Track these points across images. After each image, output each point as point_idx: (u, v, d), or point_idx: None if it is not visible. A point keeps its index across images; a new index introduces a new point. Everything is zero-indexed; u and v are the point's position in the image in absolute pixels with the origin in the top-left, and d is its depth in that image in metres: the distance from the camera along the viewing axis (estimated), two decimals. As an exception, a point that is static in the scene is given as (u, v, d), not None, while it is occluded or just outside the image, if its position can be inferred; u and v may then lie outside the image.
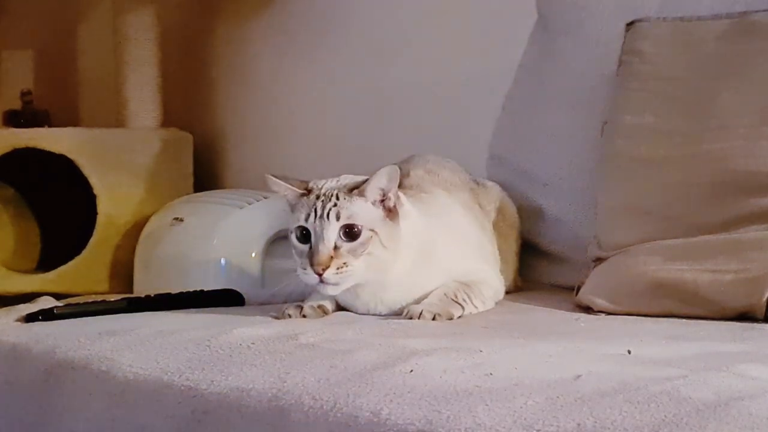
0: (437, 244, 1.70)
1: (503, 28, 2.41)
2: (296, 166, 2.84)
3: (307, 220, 1.59)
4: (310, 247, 1.59)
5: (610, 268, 1.77)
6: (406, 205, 1.66)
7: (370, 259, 1.59)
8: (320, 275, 1.56)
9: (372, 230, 1.59)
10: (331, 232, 1.57)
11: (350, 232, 1.58)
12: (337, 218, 1.58)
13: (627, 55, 1.92)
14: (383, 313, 1.66)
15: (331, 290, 1.60)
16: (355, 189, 1.60)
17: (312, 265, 1.57)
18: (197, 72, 3.14)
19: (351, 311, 1.67)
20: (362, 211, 1.59)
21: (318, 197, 1.60)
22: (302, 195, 1.63)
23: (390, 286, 1.65)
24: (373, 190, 1.60)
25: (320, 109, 2.86)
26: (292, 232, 1.62)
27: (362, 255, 1.58)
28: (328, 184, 1.63)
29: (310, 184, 1.64)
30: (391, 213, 1.62)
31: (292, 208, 1.64)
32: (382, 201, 1.61)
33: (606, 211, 1.85)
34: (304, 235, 1.60)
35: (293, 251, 1.62)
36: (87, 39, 3.34)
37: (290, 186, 1.64)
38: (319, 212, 1.58)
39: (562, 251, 2.03)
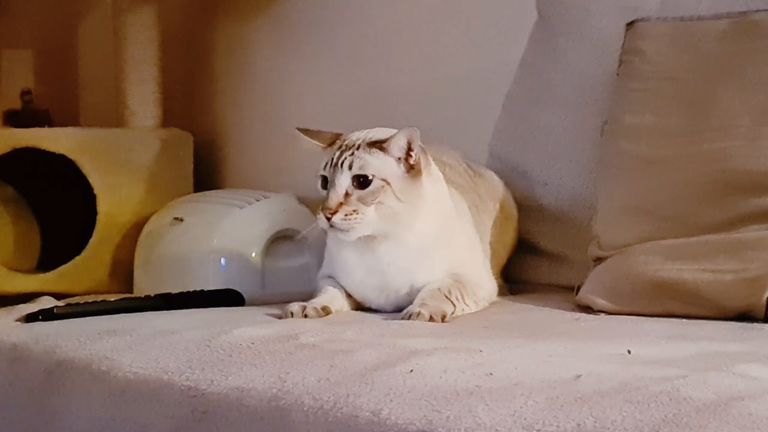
0: (455, 229, 1.74)
1: (503, 28, 2.41)
2: (296, 166, 2.85)
3: (325, 168, 1.66)
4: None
5: (610, 268, 1.77)
6: (436, 173, 1.71)
7: (382, 208, 1.64)
8: (329, 219, 1.62)
9: (384, 180, 1.64)
10: (343, 180, 1.63)
11: (362, 182, 1.63)
12: (350, 168, 1.63)
13: (627, 54, 1.92)
14: (390, 284, 1.69)
15: (343, 236, 1.65)
16: (379, 143, 1.66)
17: (322, 209, 1.62)
18: (197, 72, 3.14)
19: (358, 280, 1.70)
20: (378, 162, 1.65)
21: (339, 147, 1.67)
22: (325, 148, 1.70)
23: (408, 245, 1.68)
24: (395, 147, 1.66)
25: (320, 109, 2.85)
26: (318, 181, 1.68)
27: (372, 203, 1.63)
28: (354, 136, 1.69)
29: (341, 137, 1.70)
30: (414, 170, 1.66)
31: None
32: (407, 158, 1.66)
33: (606, 211, 1.85)
34: (323, 183, 1.66)
35: None
36: (87, 39, 3.34)
37: (313, 141, 1.72)
38: (334, 161, 1.65)
39: (562, 251, 2.03)
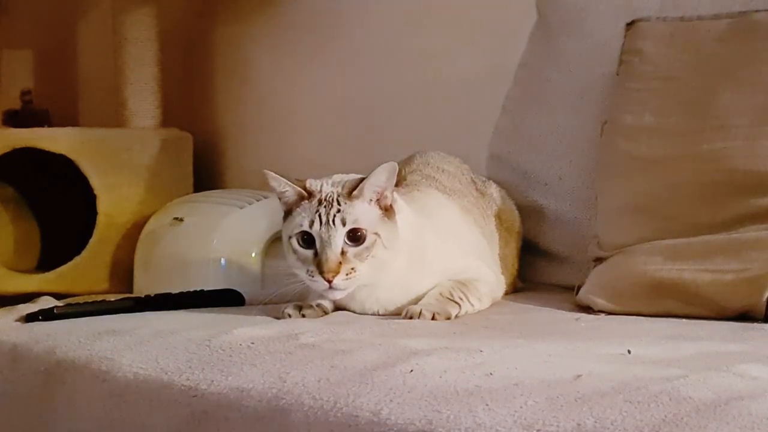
0: (428, 242, 1.70)
1: (503, 28, 2.41)
2: (296, 166, 2.85)
3: (311, 226, 1.59)
4: (316, 254, 1.58)
5: (610, 268, 1.77)
6: (399, 201, 1.66)
7: (374, 261, 1.60)
8: (330, 281, 1.57)
9: (375, 233, 1.59)
10: (339, 238, 1.57)
11: (355, 236, 1.58)
12: (343, 224, 1.58)
13: (627, 54, 1.92)
14: (379, 313, 1.66)
15: (338, 295, 1.61)
16: (354, 190, 1.60)
17: (322, 272, 1.57)
18: (197, 72, 3.14)
19: (348, 310, 1.67)
20: (364, 213, 1.60)
21: (320, 202, 1.60)
22: (301, 198, 1.62)
23: (385, 285, 1.65)
24: (369, 189, 1.60)
25: (320, 109, 2.86)
26: (291, 237, 1.61)
27: (367, 258, 1.59)
28: (326, 188, 1.62)
29: (308, 185, 1.63)
30: (388, 212, 1.62)
31: (289, 210, 1.63)
32: (378, 200, 1.61)
33: (606, 211, 1.85)
34: (306, 240, 1.60)
35: (293, 256, 1.62)
36: (87, 39, 3.34)
37: (290, 183, 1.63)
38: (324, 218, 1.58)
39: (562, 251, 2.03)
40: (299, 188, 1.62)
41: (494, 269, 1.84)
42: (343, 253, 1.57)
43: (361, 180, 1.61)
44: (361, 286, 1.63)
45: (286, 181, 1.63)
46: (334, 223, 1.58)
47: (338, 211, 1.58)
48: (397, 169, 1.62)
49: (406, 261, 1.65)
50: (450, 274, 1.71)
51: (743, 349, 1.36)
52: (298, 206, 1.62)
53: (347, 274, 1.57)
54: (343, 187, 1.61)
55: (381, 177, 1.60)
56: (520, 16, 2.22)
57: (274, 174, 1.63)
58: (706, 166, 1.73)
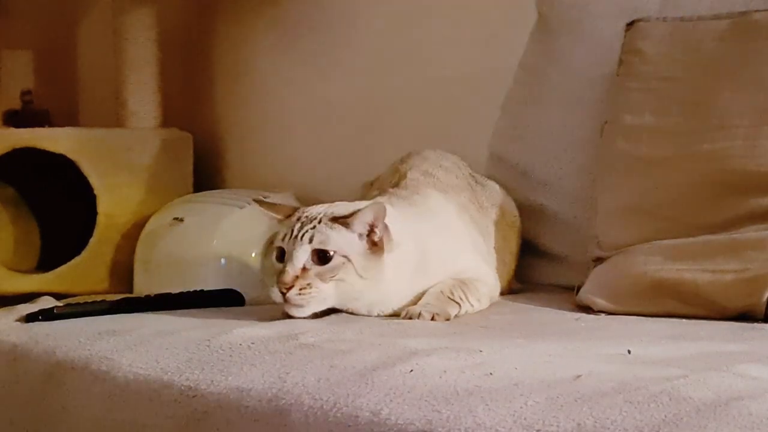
0: (432, 249, 1.71)
1: (503, 28, 2.41)
2: (296, 166, 2.85)
3: (283, 240, 1.61)
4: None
5: (610, 268, 1.77)
6: (398, 235, 1.64)
7: (342, 285, 1.59)
8: (284, 294, 1.57)
9: (345, 257, 1.58)
10: (302, 254, 1.58)
11: (322, 257, 1.58)
12: (310, 241, 1.58)
13: (627, 55, 1.92)
14: (385, 314, 1.66)
15: (296, 312, 1.59)
16: (341, 218, 1.61)
17: (277, 283, 1.57)
18: (197, 72, 3.14)
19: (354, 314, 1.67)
20: (340, 238, 1.59)
21: (299, 219, 1.62)
22: (281, 220, 1.65)
23: (385, 301, 1.65)
24: (359, 224, 1.61)
25: (320, 109, 2.85)
26: (273, 252, 1.63)
27: (331, 280, 1.58)
28: (315, 210, 1.64)
29: (300, 210, 1.65)
30: (376, 247, 1.62)
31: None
32: (369, 234, 1.61)
33: (606, 211, 1.85)
34: (279, 255, 1.61)
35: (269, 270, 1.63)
36: (87, 39, 3.34)
37: (270, 213, 1.67)
38: (294, 233, 1.59)
39: (562, 251, 2.03)
40: (283, 215, 1.65)
41: (490, 264, 1.85)
42: (305, 269, 1.57)
43: (355, 212, 1.61)
44: (366, 293, 1.62)
45: (267, 211, 1.67)
46: (301, 239, 1.58)
47: (312, 228, 1.59)
48: (385, 210, 1.61)
49: (408, 276, 1.66)
50: (451, 273, 1.71)
51: (743, 349, 1.36)
52: (283, 224, 1.65)
53: (301, 289, 1.56)
54: (331, 213, 1.62)
55: (368, 215, 1.60)
56: (520, 16, 2.22)
57: (258, 206, 1.68)
58: (706, 166, 1.73)
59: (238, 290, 1.91)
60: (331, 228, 1.60)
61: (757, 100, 1.73)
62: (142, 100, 2.91)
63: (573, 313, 1.71)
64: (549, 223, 2.05)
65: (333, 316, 1.65)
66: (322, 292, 1.58)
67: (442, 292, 1.67)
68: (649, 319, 1.63)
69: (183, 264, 2.46)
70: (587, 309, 1.72)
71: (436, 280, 1.69)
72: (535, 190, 2.07)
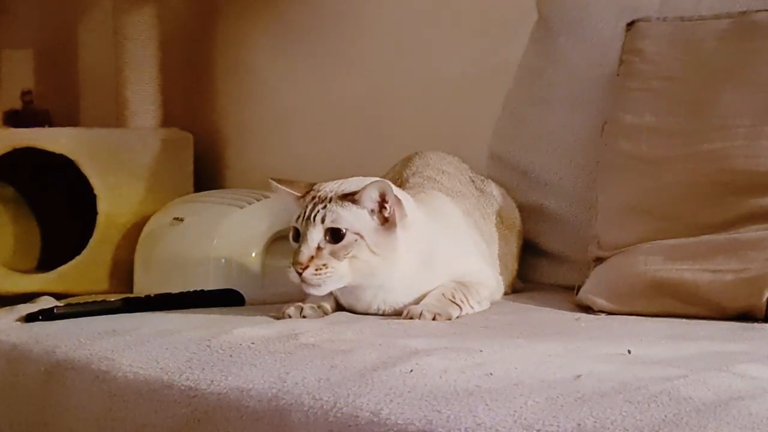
0: (439, 246, 1.72)
1: (503, 28, 2.41)
2: (297, 166, 2.85)
3: (297, 220, 1.63)
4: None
5: (610, 268, 1.77)
6: (412, 214, 1.67)
7: (356, 262, 1.61)
8: (300, 274, 1.59)
9: (358, 234, 1.60)
10: (315, 234, 1.60)
11: (335, 236, 1.60)
12: (322, 221, 1.60)
13: (627, 54, 1.92)
14: (386, 312, 1.67)
15: (314, 291, 1.62)
16: (351, 195, 1.62)
17: (293, 264, 1.60)
18: (197, 72, 3.14)
19: (352, 311, 1.68)
20: (351, 216, 1.61)
21: (312, 199, 1.64)
22: (300, 197, 1.67)
23: (393, 289, 1.67)
24: (367, 200, 1.62)
25: (320, 109, 2.85)
26: (290, 231, 1.65)
27: (345, 258, 1.60)
28: (327, 188, 1.65)
29: (315, 188, 1.67)
30: (388, 222, 1.63)
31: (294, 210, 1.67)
32: (380, 210, 1.63)
33: (606, 211, 1.85)
34: (295, 235, 1.64)
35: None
36: (87, 39, 3.34)
37: (288, 189, 1.69)
38: (307, 214, 1.62)
39: (562, 251, 2.03)
40: (301, 192, 1.67)
41: (493, 267, 1.85)
42: (319, 248, 1.60)
43: (361, 189, 1.62)
44: (365, 289, 1.65)
45: (285, 189, 1.69)
46: (313, 219, 1.61)
47: (323, 208, 1.61)
48: (389, 186, 1.63)
49: (416, 267, 1.67)
50: (454, 275, 1.72)
51: (743, 349, 1.36)
52: (298, 204, 1.67)
53: (317, 269, 1.59)
54: (342, 191, 1.64)
55: (373, 192, 1.62)
56: (520, 16, 2.23)
57: (274, 183, 1.71)
58: (707, 166, 1.74)
59: (238, 290, 1.91)
60: (341, 206, 1.62)
61: (757, 100, 1.73)
62: (143, 100, 2.91)
63: (573, 313, 1.71)
64: (549, 223, 2.05)
65: (333, 316, 1.65)
66: (337, 271, 1.60)
67: (443, 294, 1.67)
68: (649, 319, 1.63)
69: (183, 264, 2.46)
70: (587, 309, 1.72)
71: (440, 281, 1.69)
72: (535, 190, 2.07)
